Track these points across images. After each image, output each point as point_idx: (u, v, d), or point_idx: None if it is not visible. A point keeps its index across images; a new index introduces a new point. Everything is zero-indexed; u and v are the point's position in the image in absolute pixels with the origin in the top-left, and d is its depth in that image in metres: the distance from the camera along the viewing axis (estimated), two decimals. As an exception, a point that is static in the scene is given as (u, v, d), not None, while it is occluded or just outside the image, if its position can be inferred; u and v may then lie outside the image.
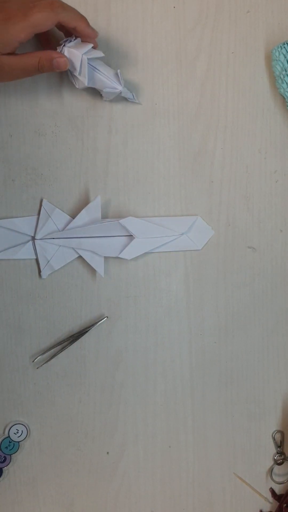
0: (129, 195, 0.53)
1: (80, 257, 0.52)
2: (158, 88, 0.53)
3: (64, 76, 0.52)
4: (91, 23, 0.51)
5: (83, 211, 0.51)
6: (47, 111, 0.52)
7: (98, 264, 0.52)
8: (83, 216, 0.51)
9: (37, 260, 0.52)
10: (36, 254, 0.52)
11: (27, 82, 0.52)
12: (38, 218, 0.52)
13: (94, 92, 0.52)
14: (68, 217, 0.52)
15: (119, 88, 0.48)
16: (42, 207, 0.51)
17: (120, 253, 0.51)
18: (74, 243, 0.51)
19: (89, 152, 0.53)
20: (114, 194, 0.53)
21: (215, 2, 0.53)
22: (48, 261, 0.51)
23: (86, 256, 0.52)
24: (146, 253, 0.53)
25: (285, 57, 0.50)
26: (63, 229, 0.51)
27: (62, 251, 0.52)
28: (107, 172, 0.53)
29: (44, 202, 0.51)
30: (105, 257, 0.52)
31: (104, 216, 0.53)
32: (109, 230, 0.51)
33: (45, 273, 0.52)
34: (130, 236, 0.52)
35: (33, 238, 0.52)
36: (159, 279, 0.54)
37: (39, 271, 0.52)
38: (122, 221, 0.50)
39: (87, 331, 0.53)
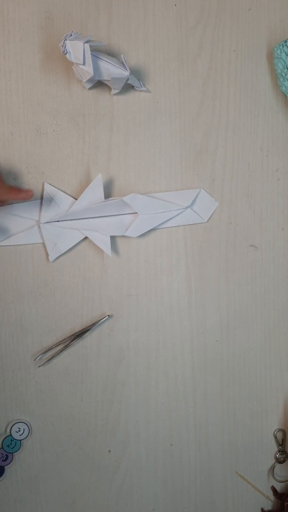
0: (131, 193, 0.53)
1: (81, 256, 0.52)
2: (159, 86, 0.53)
3: (66, 74, 0.52)
4: (92, 22, 0.52)
5: (86, 191, 0.50)
6: (49, 110, 0.52)
7: (104, 244, 0.51)
8: (86, 196, 0.50)
9: (43, 244, 0.52)
10: (42, 238, 0.51)
11: (28, 80, 0.52)
12: (41, 202, 0.52)
13: (96, 91, 0.52)
14: (71, 199, 0.51)
15: (126, 73, 0.47)
16: (44, 191, 0.51)
17: (126, 231, 0.51)
18: (79, 224, 0.51)
19: (90, 150, 0.53)
20: (115, 192, 0.53)
21: (217, 0, 0.53)
22: (55, 244, 0.51)
23: (92, 236, 0.51)
24: (147, 251, 0.53)
25: (286, 55, 0.50)
26: (67, 211, 0.51)
27: (67, 233, 0.51)
28: (109, 170, 0.53)
29: (46, 185, 0.51)
30: (106, 257, 0.52)
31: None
32: (114, 209, 0.51)
33: (53, 256, 0.51)
34: (135, 214, 0.51)
35: (38, 222, 0.52)
36: (160, 277, 0.54)
37: (47, 255, 0.52)
38: (125, 198, 0.50)
39: (88, 330, 0.53)
